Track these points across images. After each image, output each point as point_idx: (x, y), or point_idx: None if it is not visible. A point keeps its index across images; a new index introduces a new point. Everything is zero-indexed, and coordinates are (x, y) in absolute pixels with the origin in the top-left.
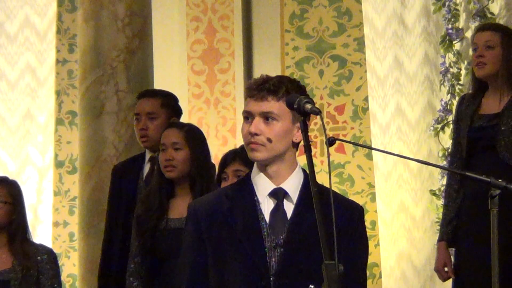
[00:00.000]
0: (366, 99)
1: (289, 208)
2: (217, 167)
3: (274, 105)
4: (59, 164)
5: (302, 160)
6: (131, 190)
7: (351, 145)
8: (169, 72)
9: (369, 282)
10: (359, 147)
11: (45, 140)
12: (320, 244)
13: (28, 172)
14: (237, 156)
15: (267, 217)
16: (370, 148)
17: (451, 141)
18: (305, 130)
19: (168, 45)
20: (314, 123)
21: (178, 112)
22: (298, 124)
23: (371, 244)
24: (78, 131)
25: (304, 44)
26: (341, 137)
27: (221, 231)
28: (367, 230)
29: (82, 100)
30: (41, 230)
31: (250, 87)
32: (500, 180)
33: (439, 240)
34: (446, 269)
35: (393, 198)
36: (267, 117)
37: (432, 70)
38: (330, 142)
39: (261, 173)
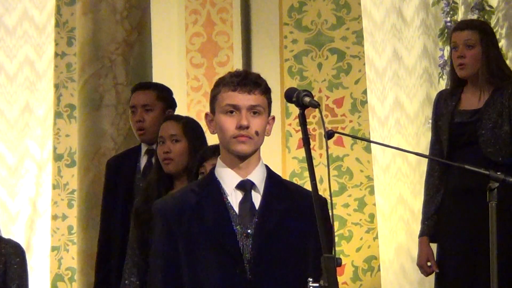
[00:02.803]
0: (364, 92)
1: (256, 199)
2: None
3: (260, 99)
4: (58, 157)
5: (301, 153)
6: (128, 184)
7: (350, 138)
8: (168, 65)
9: (367, 275)
10: (357, 140)
11: (44, 133)
12: (288, 232)
13: (27, 165)
14: (217, 151)
15: (236, 208)
16: (369, 141)
17: None
18: (303, 123)
19: (167, 38)
20: (313, 116)
21: (173, 104)
22: (268, 119)
23: (369, 237)
24: (76, 124)
25: (303, 37)
26: (339, 130)
27: (191, 225)
28: (366, 223)
29: (80, 93)
30: (40, 223)
31: (232, 81)
32: (499, 173)
33: (420, 235)
34: (429, 264)
35: (392, 191)
36: (254, 110)
37: (430, 63)
38: (329, 135)
39: (227, 167)
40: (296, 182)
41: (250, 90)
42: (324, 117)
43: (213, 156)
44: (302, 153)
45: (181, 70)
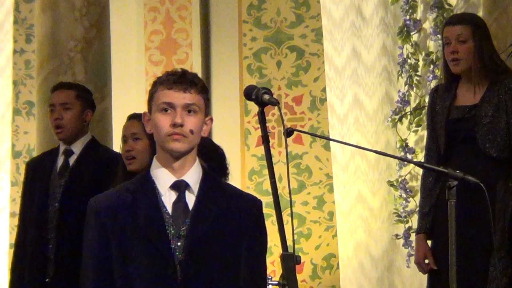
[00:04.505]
0: (324, 90)
1: (190, 199)
2: None
3: (196, 97)
4: (16, 155)
5: (260, 150)
6: (44, 184)
7: (309, 136)
8: (127, 63)
9: (326, 272)
10: (316, 138)
11: (2, 131)
12: (221, 234)
13: None
14: None
15: (169, 208)
16: (328, 139)
17: (408, 132)
18: (262, 120)
19: (126, 36)
20: (272, 114)
21: (92, 104)
22: (205, 119)
23: (328, 235)
24: (35, 121)
25: (262, 34)
26: (299, 128)
27: (124, 224)
28: (325, 220)
29: (39, 90)
30: None
31: (168, 79)
32: (457, 171)
33: (417, 232)
34: (426, 261)
35: (351, 189)
36: (189, 109)
37: (389, 61)
38: (288, 133)
39: (162, 167)
40: (254, 180)
41: (186, 88)
42: (283, 115)
43: None
44: (261, 150)
45: (140, 67)
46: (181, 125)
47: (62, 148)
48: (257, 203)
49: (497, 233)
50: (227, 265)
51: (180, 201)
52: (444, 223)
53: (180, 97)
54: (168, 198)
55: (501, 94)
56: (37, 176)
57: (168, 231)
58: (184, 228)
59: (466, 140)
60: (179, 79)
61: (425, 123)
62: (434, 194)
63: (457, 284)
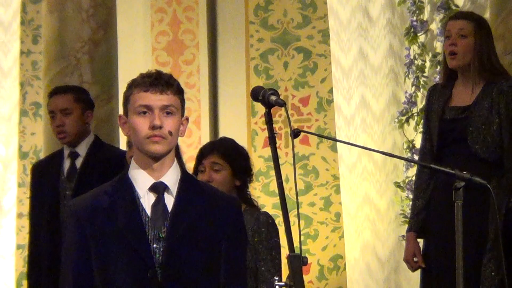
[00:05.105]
0: (330, 91)
1: (169, 201)
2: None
3: (172, 99)
4: (23, 156)
5: (267, 152)
6: (53, 187)
7: (316, 137)
8: (134, 64)
9: (333, 274)
10: (323, 139)
11: (9, 132)
12: (201, 235)
13: None
14: (215, 148)
15: (148, 210)
16: (335, 140)
17: (415, 133)
18: (269, 121)
19: (133, 37)
20: (279, 115)
21: (91, 104)
22: (181, 120)
23: (335, 236)
24: (42, 122)
25: (269, 35)
26: (305, 129)
27: (104, 227)
28: (332, 221)
29: (46, 91)
30: (5, 222)
31: (144, 81)
32: (465, 173)
33: (408, 230)
34: (415, 259)
35: (358, 190)
36: (167, 111)
37: (396, 62)
38: (295, 134)
39: (140, 168)
40: (261, 181)
41: (162, 90)
42: (290, 116)
43: (211, 154)
44: (268, 152)
45: (147, 68)
46: (160, 127)
47: (67, 151)
48: (236, 203)
49: (490, 233)
50: (207, 266)
51: (159, 203)
52: (437, 222)
53: (157, 99)
54: (147, 200)
55: (495, 96)
56: (45, 179)
57: (147, 234)
58: (164, 230)
59: (458, 140)
60: (155, 80)
61: None
62: (426, 193)
63: (450, 283)
